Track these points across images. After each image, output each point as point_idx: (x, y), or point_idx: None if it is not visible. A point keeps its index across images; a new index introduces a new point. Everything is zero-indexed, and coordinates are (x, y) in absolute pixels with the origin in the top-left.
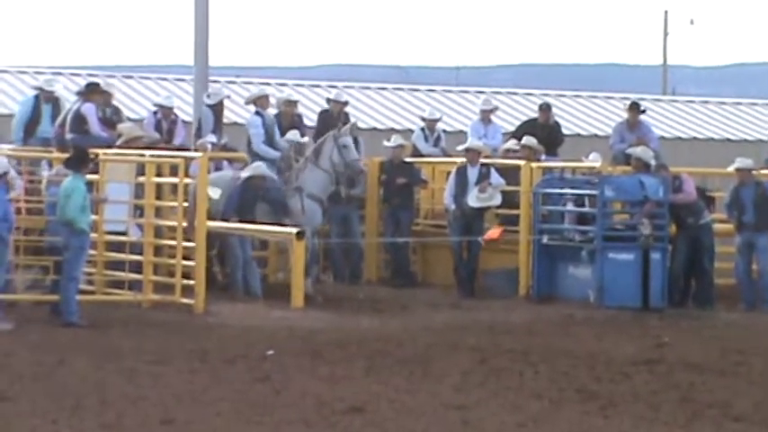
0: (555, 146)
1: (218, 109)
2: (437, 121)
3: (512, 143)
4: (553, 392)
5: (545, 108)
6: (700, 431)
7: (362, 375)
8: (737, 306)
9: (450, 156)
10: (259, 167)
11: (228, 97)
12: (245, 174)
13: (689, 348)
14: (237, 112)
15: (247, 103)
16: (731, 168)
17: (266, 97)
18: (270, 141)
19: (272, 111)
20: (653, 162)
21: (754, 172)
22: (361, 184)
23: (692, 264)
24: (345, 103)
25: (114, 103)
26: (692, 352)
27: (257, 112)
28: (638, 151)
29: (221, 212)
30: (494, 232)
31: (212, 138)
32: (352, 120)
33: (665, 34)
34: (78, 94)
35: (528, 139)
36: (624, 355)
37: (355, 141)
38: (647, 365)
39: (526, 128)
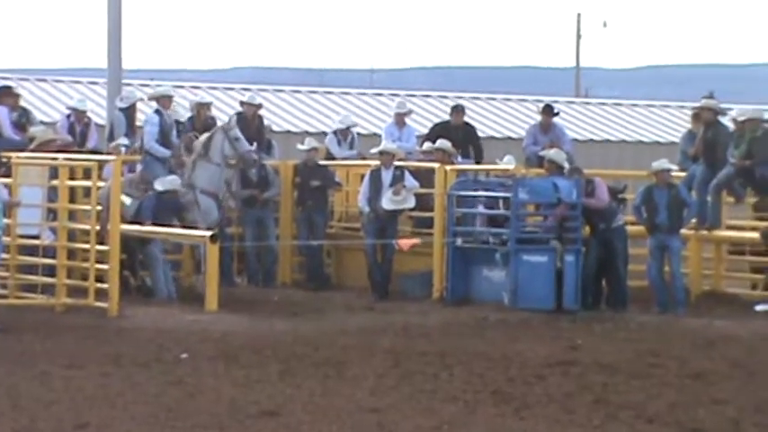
0: (475, 148)
1: (130, 112)
2: (350, 128)
3: (427, 145)
4: (468, 395)
5: (458, 110)
6: None
7: (277, 379)
8: (650, 308)
9: (364, 158)
10: (173, 181)
11: (141, 100)
12: (158, 187)
13: (602, 350)
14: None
15: (150, 99)
16: (652, 169)
17: (169, 98)
18: (165, 141)
19: (184, 113)
20: (566, 164)
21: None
22: (275, 186)
23: (605, 266)
24: (259, 106)
25: (23, 104)
26: (606, 354)
27: (157, 111)
28: (552, 153)
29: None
30: (406, 243)
31: (124, 140)
32: (266, 122)
33: (578, 37)
34: None
35: (442, 142)
36: (538, 357)
37: (269, 144)
38: (560, 367)
39: (439, 130)
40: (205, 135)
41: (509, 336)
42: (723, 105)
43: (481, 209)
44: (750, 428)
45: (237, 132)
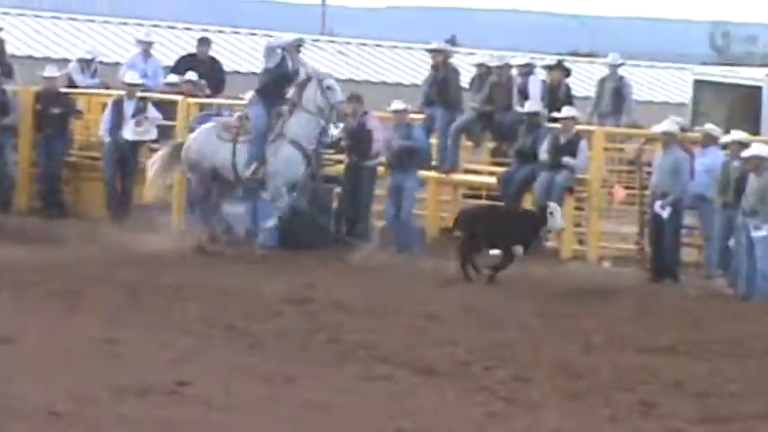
0: (218, 84)
1: None
2: (96, 58)
3: (172, 77)
4: (202, 329)
5: (204, 42)
6: (348, 372)
7: (9, 306)
8: (389, 248)
9: (108, 87)
10: None
11: None
12: None
13: (338, 289)
14: None
15: None
16: (389, 110)
17: None
18: None
19: None
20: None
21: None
22: (14, 112)
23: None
24: None
25: None
26: (342, 293)
27: None
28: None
29: None
30: None
31: None
32: (7, 47)
33: None
34: None
35: (190, 74)
36: (275, 293)
37: (10, 70)
38: (297, 305)
39: (186, 62)
40: None
41: (247, 270)
42: (465, 50)
43: None
44: (479, 370)
45: (331, 81)
